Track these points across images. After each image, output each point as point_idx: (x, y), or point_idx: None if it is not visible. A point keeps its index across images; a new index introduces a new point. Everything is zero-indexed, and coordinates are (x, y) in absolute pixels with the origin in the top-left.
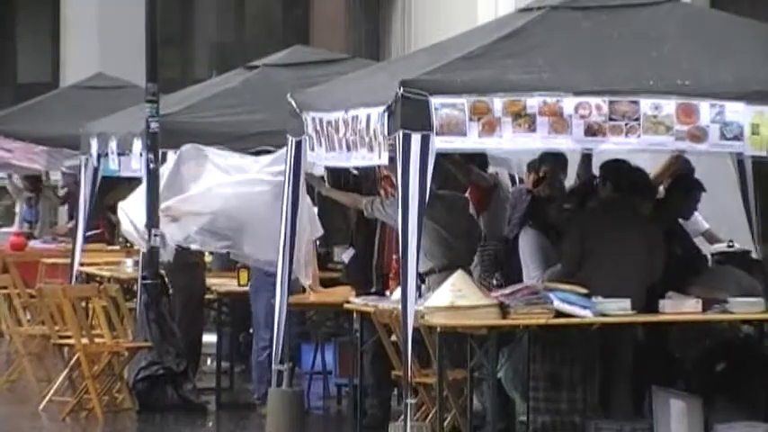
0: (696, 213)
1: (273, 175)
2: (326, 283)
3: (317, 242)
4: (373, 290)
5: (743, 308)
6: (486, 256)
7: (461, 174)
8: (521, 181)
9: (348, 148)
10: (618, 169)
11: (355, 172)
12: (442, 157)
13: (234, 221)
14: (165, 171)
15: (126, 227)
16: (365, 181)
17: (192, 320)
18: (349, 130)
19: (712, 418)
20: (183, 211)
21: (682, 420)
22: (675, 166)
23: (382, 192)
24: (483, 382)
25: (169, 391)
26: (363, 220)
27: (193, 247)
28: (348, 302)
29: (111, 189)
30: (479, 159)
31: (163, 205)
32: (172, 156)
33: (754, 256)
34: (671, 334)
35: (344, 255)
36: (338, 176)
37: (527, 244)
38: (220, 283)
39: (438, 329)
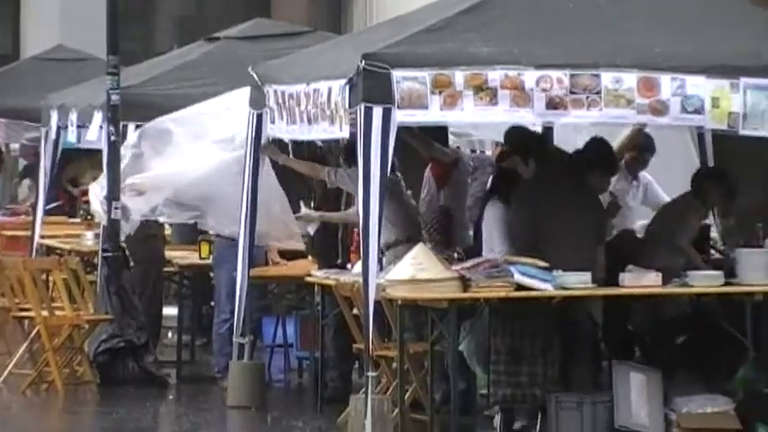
0: (657, 188)
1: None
2: (288, 256)
3: None
4: (339, 262)
5: (702, 281)
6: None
7: (422, 148)
8: (481, 152)
9: (309, 121)
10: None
11: (320, 144)
12: (403, 130)
13: (199, 193)
14: (126, 149)
15: (95, 207)
16: (329, 154)
17: (152, 293)
18: (310, 103)
19: (672, 390)
20: (148, 185)
21: (641, 393)
22: (637, 139)
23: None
24: (444, 356)
25: (130, 363)
26: (328, 192)
27: (161, 219)
28: (310, 275)
29: (72, 161)
30: (439, 134)
31: (128, 180)
32: (132, 129)
33: (713, 230)
34: (631, 307)
35: (309, 227)
36: (302, 148)
37: (492, 217)
38: (182, 256)
39: (399, 302)
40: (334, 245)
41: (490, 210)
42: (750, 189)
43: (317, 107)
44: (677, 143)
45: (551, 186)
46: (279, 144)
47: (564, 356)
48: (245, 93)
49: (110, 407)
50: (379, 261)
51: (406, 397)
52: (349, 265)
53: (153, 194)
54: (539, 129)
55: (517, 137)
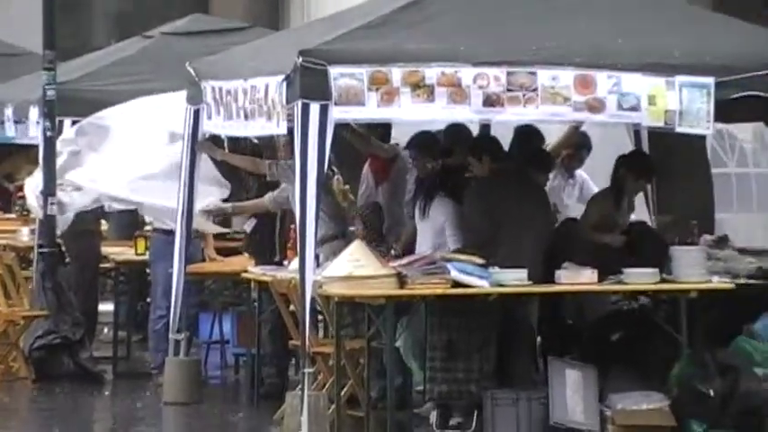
0: (593, 186)
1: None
2: (225, 253)
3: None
4: (276, 259)
5: (638, 278)
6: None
7: (360, 144)
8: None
9: (246, 117)
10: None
11: (256, 140)
12: (341, 126)
13: (137, 188)
14: (62, 144)
15: (31, 202)
16: (266, 149)
17: (88, 289)
18: (247, 99)
19: (607, 387)
20: (86, 182)
21: (577, 390)
22: (574, 137)
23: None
24: (381, 352)
25: (65, 359)
26: (265, 188)
27: (107, 207)
28: (246, 272)
29: (8, 157)
30: (382, 130)
31: (66, 176)
32: (69, 124)
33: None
34: (568, 304)
35: (246, 224)
36: (238, 144)
37: (441, 213)
38: (118, 252)
39: (336, 299)
40: (270, 242)
41: (439, 206)
42: (686, 186)
43: (254, 103)
44: (614, 141)
45: (506, 182)
46: (214, 140)
47: (501, 353)
48: (183, 95)
49: (45, 403)
50: (316, 257)
51: (342, 393)
52: (286, 262)
53: (90, 191)
54: (475, 126)
55: (463, 135)
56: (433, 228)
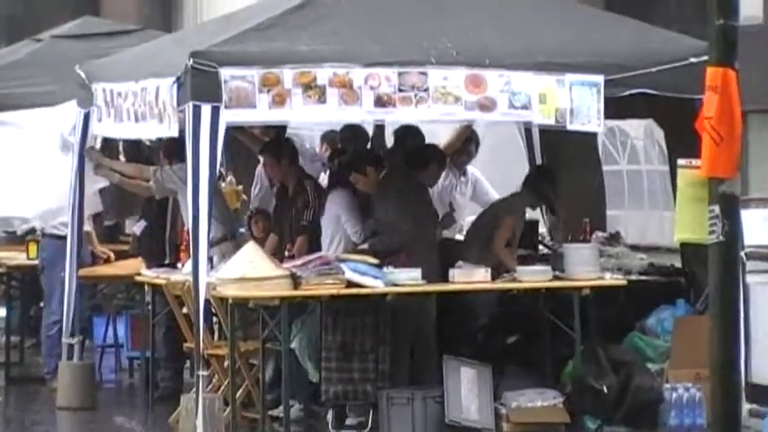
0: (486, 184)
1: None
2: (117, 256)
3: (106, 214)
4: (166, 262)
5: (531, 276)
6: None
7: (253, 145)
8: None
9: (137, 119)
10: (398, 139)
11: (149, 143)
12: (233, 128)
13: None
14: None
15: None
16: (157, 153)
17: None
18: (138, 101)
19: (502, 385)
20: None
21: (472, 388)
22: (465, 136)
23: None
24: (276, 354)
25: None
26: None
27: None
28: (140, 275)
29: None
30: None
31: None
32: None
33: (540, 225)
34: (465, 303)
35: (135, 227)
36: (135, 148)
37: (342, 203)
38: (9, 257)
39: (230, 301)
40: (160, 244)
41: (335, 196)
42: (578, 184)
43: (144, 105)
44: (505, 139)
45: (391, 186)
46: (111, 143)
47: (396, 352)
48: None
49: None
50: (210, 259)
51: (237, 395)
52: (180, 264)
53: None
54: (369, 127)
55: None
56: (328, 219)
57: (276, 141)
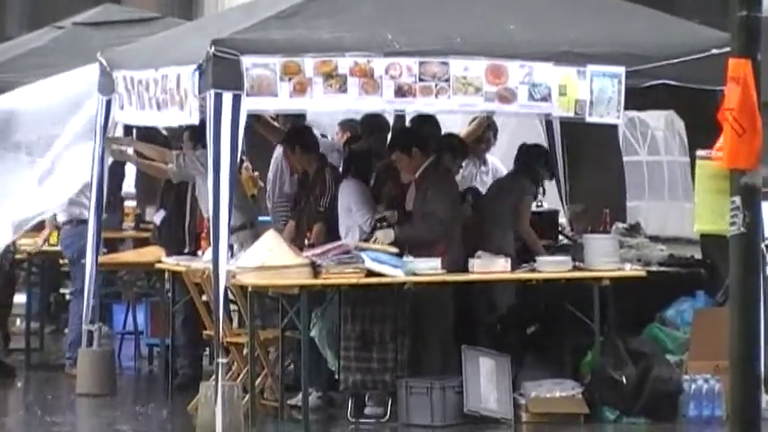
0: (505, 172)
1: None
2: (138, 243)
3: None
4: (186, 251)
5: (550, 266)
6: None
7: (271, 135)
8: (323, 136)
9: (158, 107)
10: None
11: (165, 132)
12: (253, 117)
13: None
14: None
15: None
16: (174, 140)
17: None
18: (159, 89)
19: (521, 375)
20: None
21: (491, 378)
22: (484, 126)
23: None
24: (296, 342)
25: None
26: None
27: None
28: (160, 262)
29: None
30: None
31: None
32: None
33: (561, 215)
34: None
35: (155, 216)
36: (151, 136)
37: (351, 193)
38: (29, 243)
39: (249, 289)
40: (180, 233)
41: (347, 186)
42: (598, 175)
43: (166, 93)
44: (526, 129)
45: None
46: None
47: (415, 342)
48: (85, 72)
49: None
50: (230, 247)
51: (256, 383)
52: (200, 252)
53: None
54: (390, 116)
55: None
56: (341, 209)
57: (298, 130)
